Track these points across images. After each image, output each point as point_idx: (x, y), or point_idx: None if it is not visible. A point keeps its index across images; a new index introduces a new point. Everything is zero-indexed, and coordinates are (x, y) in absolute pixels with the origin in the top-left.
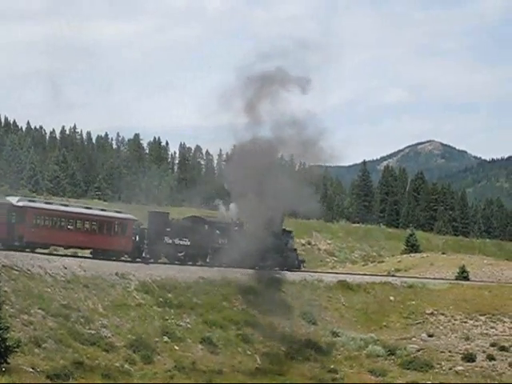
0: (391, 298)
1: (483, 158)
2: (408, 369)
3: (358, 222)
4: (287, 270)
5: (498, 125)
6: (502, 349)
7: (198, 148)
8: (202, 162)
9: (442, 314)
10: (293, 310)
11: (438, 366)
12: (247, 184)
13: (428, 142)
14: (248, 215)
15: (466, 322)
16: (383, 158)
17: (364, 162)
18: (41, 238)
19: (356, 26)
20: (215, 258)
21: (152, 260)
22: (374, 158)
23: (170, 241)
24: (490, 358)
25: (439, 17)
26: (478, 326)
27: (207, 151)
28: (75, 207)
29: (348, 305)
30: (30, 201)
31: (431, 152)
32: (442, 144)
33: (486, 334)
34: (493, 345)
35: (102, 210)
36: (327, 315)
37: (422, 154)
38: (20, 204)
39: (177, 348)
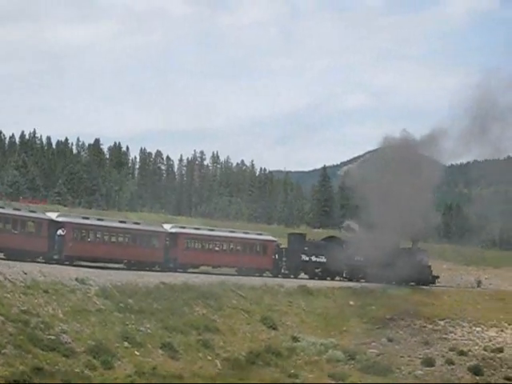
0: (351, 302)
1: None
2: (368, 373)
3: (319, 227)
4: (423, 285)
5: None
6: (461, 353)
7: (159, 153)
8: (163, 167)
9: (402, 319)
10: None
11: (398, 370)
12: (388, 201)
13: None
14: (385, 233)
15: (425, 327)
16: (343, 164)
17: (324, 168)
18: (192, 259)
19: (319, 32)
20: (352, 274)
21: (292, 276)
22: (335, 164)
23: (307, 258)
24: (449, 362)
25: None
26: (437, 330)
27: (168, 156)
28: (221, 231)
29: (308, 310)
30: (181, 227)
31: None
32: None
33: (445, 338)
34: (452, 349)
35: (245, 232)
36: (288, 320)
37: None
38: (173, 230)
39: (137, 353)
